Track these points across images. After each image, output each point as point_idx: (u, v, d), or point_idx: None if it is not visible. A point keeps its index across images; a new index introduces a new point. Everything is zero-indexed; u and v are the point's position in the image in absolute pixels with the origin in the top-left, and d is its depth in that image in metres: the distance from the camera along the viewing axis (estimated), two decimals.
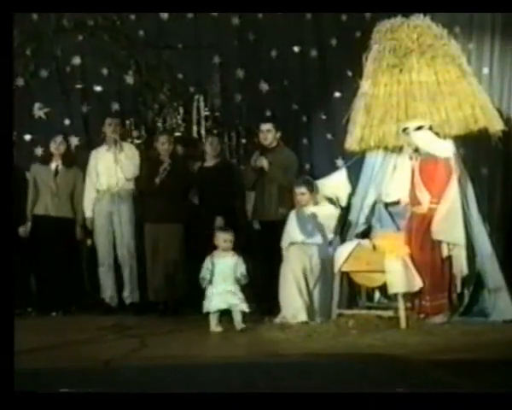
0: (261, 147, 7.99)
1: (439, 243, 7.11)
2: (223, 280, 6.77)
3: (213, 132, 8.45)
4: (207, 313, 6.82)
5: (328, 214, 7.43)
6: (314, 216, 7.39)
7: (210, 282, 6.79)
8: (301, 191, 7.42)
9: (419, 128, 7.18)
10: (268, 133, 7.92)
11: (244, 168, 8.11)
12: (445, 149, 7.21)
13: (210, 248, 7.73)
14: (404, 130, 7.17)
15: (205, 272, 6.82)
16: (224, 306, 6.76)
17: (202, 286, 6.83)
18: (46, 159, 8.05)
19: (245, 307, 6.77)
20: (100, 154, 8.05)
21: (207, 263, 6.84)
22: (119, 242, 7.98)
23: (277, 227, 7.49)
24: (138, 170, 7.98)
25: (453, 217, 7.06)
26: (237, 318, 6.77)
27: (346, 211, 7.69)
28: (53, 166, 7.98)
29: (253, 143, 8.42)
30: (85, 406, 4.28)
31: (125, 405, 4.29)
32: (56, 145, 7.95)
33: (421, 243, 7.13)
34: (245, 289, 6.85)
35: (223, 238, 6.90)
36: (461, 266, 7.12)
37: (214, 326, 6.75)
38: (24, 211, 7.82)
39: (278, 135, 7.96)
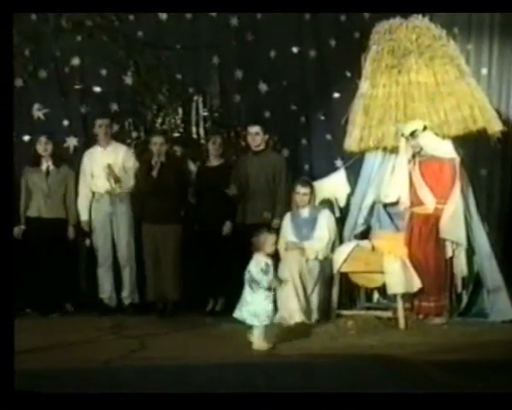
0: (249, 150, 8.01)
1: (444, 243, 7.13)
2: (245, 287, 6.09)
3: (212, 132, 8.42)
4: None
5: (326, 217, 7.43)
6: (311, 218, 7.39)
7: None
8: (304, 191, 7.42)
9: (425, 129, 7.18)
10: (256, 136, 7.90)
11: (231, 171, 7.94)
12: (451, 150, 7.22)
13: (208, 247, 7.77)
14: (413, 133, 7.15)
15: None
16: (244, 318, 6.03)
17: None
18: (35, 161, 7.96)
19: (253, 321, 5.97)
20: (94, 156, 8.01)
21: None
22: (119, 242, 7.97)
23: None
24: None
25: (457, 217, 7.08)
26: (255, 333, 6.00)
27: (344, 212, 7.71)
28: (43, 167, 7.92)
29: (240, 146, 8.41)
30: (85, 406, 4.29)
31: (123, 405, 4.30)
32: (42, 146, 7.89)
33: (425, 244, 7.14)
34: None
35: (271, 241, 6.23)
36: (461, 267, 7.14)
37: (256, 341, 5.95)
38: (17, 212, 7.77)
39: (266, 137, 7.95)
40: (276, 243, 6.38)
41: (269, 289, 6.02)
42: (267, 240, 6.20)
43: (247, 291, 6.06)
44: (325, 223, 7.37)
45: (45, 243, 7.78)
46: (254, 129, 7.93)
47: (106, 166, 7.80)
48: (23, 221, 7.87)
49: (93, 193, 7.99)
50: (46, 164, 7.94)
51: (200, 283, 7.87)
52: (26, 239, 7.82)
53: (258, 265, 6.06)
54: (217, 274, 7.76)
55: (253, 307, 5.97)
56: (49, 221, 7.86)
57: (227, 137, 8.50)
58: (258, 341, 5.95)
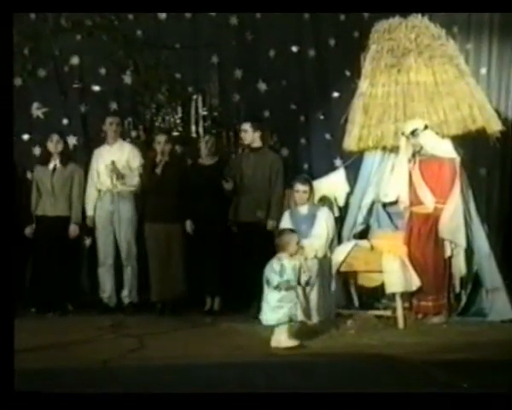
0: (246, 147, 8.01)
1: (443, 243, 7.13)
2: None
3: (210, 132, 8.42)
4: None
5: (325, 214, 7.43)
6: (310, 214, 7.39)
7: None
8: (304, 189, 7.40)
9: (425, 128, 7.18)
10: (245, 133, 7.88)
11: (227, 169, 7.92)
12: (451, 150, 7.22)
13: (208, 247, 7.76)
14: (413, 132, 7.15)
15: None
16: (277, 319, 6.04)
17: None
18: (45, 159, 8.00)
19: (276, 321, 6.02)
20: (102, 154, 8.00)
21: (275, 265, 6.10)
22: (120, 241, 7.96)
23: (254, 229, 7.56)
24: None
25: (456, 217, 7.08)
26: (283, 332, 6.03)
27: (344, 211, 7.71)
28: (51, 165, 7.93)
29: (240, 145, 8.41)
30: (84, 406, 4.29)
31: (123, 405, 4.31)
32: (53, 144, 7.89)
33: (424, 243, 7.14)
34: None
35: (295, 241, 6.24)
36: (459, 266, 7.14)
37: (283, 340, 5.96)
38: (27, 211, 7.77)
39: (258, 134, 7.89)
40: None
41: (277, 288, 6.01)
42: (291, 240, 6.22)
43: (267, 292, 6.08)
44: (324, 220, 7.36)
45: (50, 241, 7.77)
46: (244, 126, 7.92)
47: (110, 162, 7.81)
48: (34, 220, 7.87)
49: (99, 191, 7.99)
50: (54, 162, 7.94)
51: (197, 281, 7.86)
52: (33, 237, 7.83)
53: (271, 264, 6.09)
54: (213, 273, 7.75)
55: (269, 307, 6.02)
56: (53, 219, 7.84)
57: (226, 136, 8.51)
58: (279, 338, 5.98)
